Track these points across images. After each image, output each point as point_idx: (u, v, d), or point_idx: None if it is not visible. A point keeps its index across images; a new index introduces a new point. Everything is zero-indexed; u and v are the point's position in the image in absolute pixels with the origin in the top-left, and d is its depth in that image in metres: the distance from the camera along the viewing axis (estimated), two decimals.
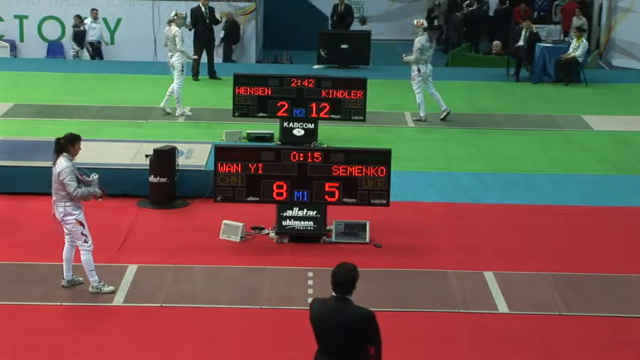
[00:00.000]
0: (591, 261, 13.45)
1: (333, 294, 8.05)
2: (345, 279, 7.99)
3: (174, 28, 20.38)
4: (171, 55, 20.40)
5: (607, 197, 16.30)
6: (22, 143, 17.86)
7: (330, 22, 30.38)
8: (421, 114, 20.80)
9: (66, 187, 11.61)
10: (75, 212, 11.75)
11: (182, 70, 20.35)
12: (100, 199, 12.04)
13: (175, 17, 20.60)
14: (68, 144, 11.76)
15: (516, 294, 12.29)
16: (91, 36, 27.80)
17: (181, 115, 20.59)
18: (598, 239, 14.38)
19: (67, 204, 11.71)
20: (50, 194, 11.95)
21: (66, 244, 11.99)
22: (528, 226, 14.81)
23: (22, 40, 29.09)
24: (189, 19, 23.42)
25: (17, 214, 14.79)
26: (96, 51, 27.86)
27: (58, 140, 11.85)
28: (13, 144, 17.83)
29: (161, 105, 20.70)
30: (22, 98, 22.10)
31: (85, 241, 11.78)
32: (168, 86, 24.15)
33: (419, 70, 20.48)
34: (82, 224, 11.78)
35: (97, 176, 11.95)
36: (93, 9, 28.01)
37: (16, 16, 28.87)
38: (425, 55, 20.47)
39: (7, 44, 28.29)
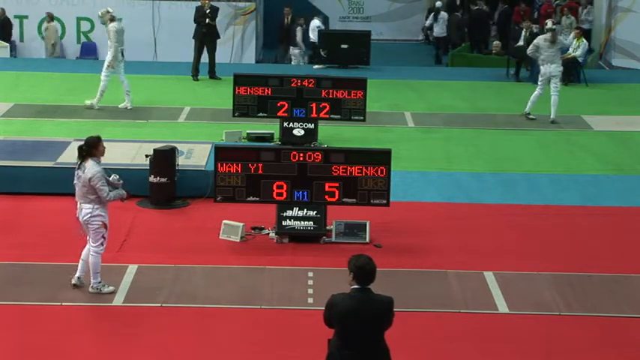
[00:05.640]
0: (591, 261, 13.45)
1: (356, 286, 8.24)
2: (371, 269, 8.24)
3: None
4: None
5: (607, 197, 16.30)
6: (22, 143, 17.88)
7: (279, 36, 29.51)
8: (526, 110, 20.99)
9: (98, 192, 11.62)
10: (102, 214, 11.80)
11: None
12: (124, 200, 12.12)
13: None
14: (92, 149, 11.76)
15: (516, 294, 12.29)
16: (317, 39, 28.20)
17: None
18: (598, 239, 14.38)
19: (96, 206, 11.74)
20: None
21: (87, 245, 11.97)
22: (528, 226, 14.80)
23: (22, 40, 29.08)
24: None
25: (17, 214, 14.79)
26: (316, 53, 28.16)
27: (80, 147, 11.82)
28: (13, 144, 17.84)
29: (127, 106, 20.87)
30: (22, 98, 22.08)
31: (102, 244, 11.82)
32: (168, 86, 24.14)
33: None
34: (106, 227, 11.82)
35: (118, 176, 11.97)
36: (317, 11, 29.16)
37: (16, 16, 28.86)
38: (542, 54, 20.61)
39: (7, 44, 28.27)
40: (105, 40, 28.29)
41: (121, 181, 11.93)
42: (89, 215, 11.76)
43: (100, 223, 11.79)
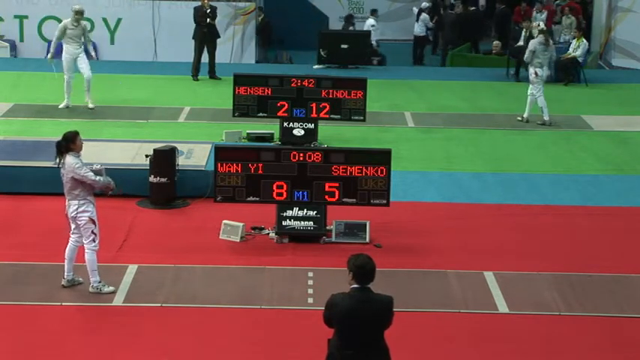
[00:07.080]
0: (591, 261, 13.45)
1: (356, 286, 8.23)
2: (371, 267, 8.23)
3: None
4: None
5: (607, 197, 16.30)
6: (22, 143, 17.88)
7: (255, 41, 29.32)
8: (545, 117, 20.68)
9: (86, 180, 11.62)
10: (89, 209, 11.77)
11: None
12: (113, 192, 12.11)
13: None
14: (70, 143, 11.75)
15: (516, 294, 12.29)
16: (373, 37, 28.16)
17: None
18: (598, 239, 14.38)
19: (82, 202, 11.74)
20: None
21: (70, 243, 11.98)
22: (528, 226, 14.80)
23: (22, 40, 29.03)
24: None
25: (17, 214, 14.79)
26: (374, 52, 27.99)
27: (58, 143, 11.81)
28: (13, 144, 17.84)
29: (68, 104, 21.04)
30: (22, 98, 22.10)
31: (93, 240, 11.80)
32: (168, 86, 24.14)
33: (536, 74, 20.53)
34: (94, 222, 11.80)
35: (100, 164, 11.96)
36: (374, 9, 29.83)
37: (16, 16, 28.83)
38: (539, 57, 20.54)
39: (7, 44, 28.26)
40: (104, 41, 28.71)
41: (103, 167, 11.91)
42: (75, 212, 11.76)
43: (87, 218, 11.76)
